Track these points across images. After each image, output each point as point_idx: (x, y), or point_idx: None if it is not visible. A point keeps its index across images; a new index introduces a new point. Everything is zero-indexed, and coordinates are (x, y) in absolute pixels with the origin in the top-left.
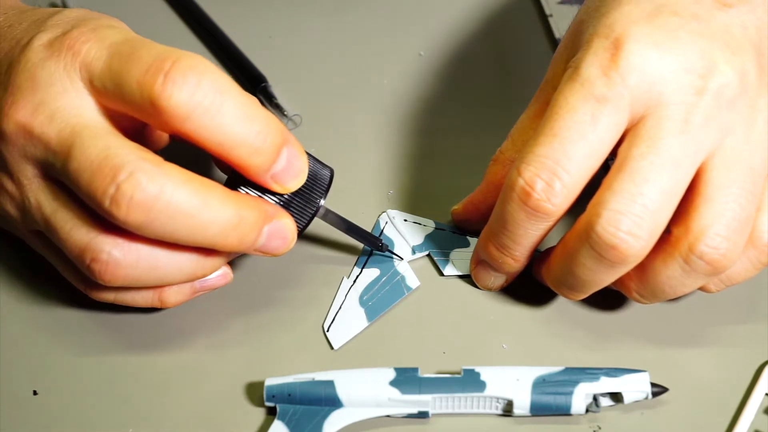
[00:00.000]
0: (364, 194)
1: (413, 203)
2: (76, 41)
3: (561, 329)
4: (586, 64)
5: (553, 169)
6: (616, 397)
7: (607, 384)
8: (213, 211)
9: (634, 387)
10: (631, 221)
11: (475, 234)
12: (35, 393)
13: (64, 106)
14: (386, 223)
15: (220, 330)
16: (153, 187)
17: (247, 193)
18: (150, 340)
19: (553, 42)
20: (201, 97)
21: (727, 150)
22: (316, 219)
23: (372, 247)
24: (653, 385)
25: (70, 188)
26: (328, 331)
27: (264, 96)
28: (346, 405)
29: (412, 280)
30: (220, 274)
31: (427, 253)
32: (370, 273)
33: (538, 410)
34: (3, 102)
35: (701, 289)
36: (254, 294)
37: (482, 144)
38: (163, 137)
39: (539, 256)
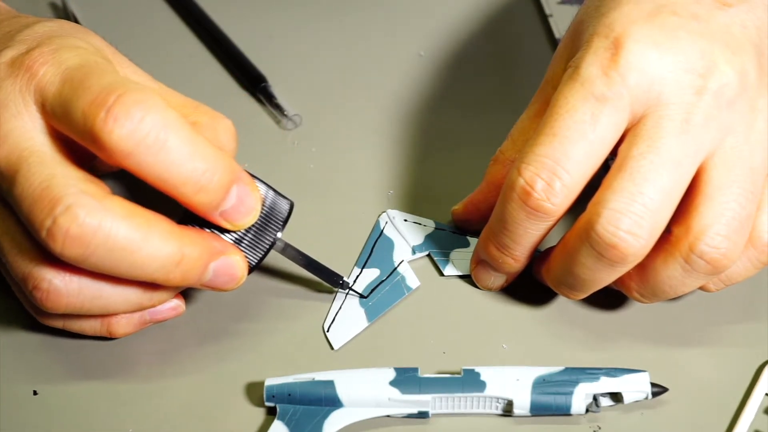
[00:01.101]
0: (364, 194)
1: (413, 203)
2: (35, 62)
3: (561, 329)
4: (586, 63)
5: (553, 169)
6: (616, 397)
7: (607, 384)
8: (154, 247)
9: (634, 387)
10: (631, 220)
11: (476, 234)
12: (35, 393)
13: (16, 128)
14: (386, 223)
15: (220, 330)
16: (91, 221)
17: (198, 228)
18: (150, 341)
19: (553, 42)
20: (143, 133)
21: (728, 150)
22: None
23: (332, 284)
24: (653, 385)
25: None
26: (328, 331)
27: (264, 96)
28: (346, 405)
29: (412, 281)
30: (171, 306)
31: (427, 253)
32: (370, 273)
33: (538, 410)
34: None
35: (701, 288)
36: (254, 294)
37: (482, 144)
38: None
39: (539, 255)
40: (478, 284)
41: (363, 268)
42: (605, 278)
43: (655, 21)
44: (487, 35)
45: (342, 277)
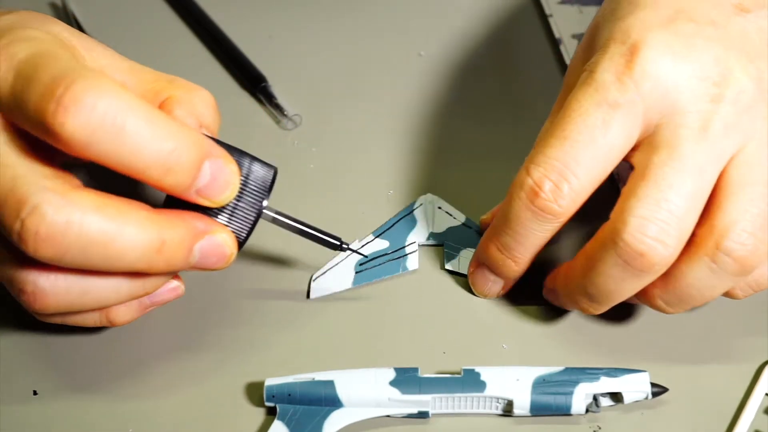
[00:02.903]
0: (364, 194)
1: (413, 203)
2: None
3: (561, 329)
4: (601, 68)
5: (561, 172)
6: (616, 397)
7: (607, 384)
8: (130, 236)
9: (634, 387)
10: (658, 227)
11: None
12: (35, 393)
13: None
14: (420, 205)
15: (220, 330)
16: (59, 218)
17: (179, 210)
18: (150, 340)
19: (553, 42)
20: (98, 120)
21: (748, 153)
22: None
23: (332, 248)
24: (653, 385)
25: None
26: (313, 280)
27: (264, 96)
28: (346, 405)
29: (413, 263)
30: (170, 288)
31: (441, 243)
32: (380, 243)
33: (538, 410)
34: None
35: (728, 295)
36: (254, 294)
37: (482, 144)
38: None
39: (551, 273)
40: (474, 290)
41: (377, 237)
42: (630, 289)
43: (671, 28)
44: (487, 35)
45: (340, 239)
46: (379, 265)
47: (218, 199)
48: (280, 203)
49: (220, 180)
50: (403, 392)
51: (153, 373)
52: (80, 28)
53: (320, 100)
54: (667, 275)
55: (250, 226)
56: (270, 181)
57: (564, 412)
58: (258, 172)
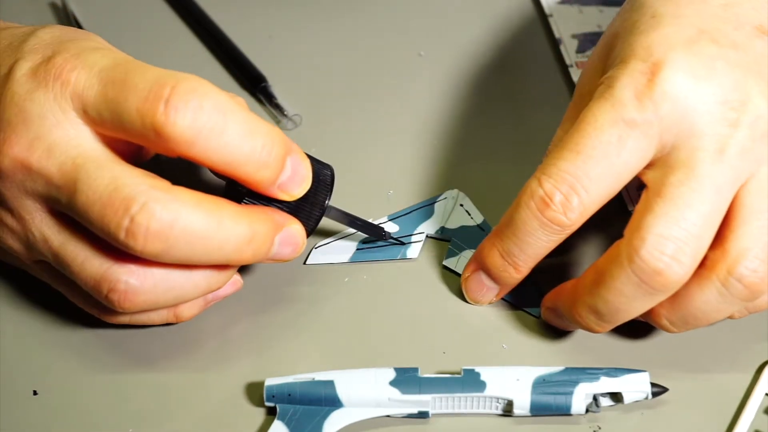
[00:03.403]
0: (364, 194)
1: (413, 203)
2: (63, 69)
3: (561, 329)
4: (620, 84)
5: (572, 185)
6: (616, 397)
7: (607, 384)
8: (227, 230)
9: (634, 387)
10: (675, 246)
11: None
12: (35, 393)
13: (60, 138)
14: (444, 198)
15: (219, 330)
16: (168, 214)
17: (252, 203)
18: (150, 341)
19: (553, 42)
20: (204, 120)
21: (762, 178)
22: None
23: (376, 237)
24: (653, 385)
25: (75, 220)
26: (315, 247)
27: (264, 96)
28: (346, 405)
29: (413, 251)
30: (230, 282)
31: (449, 239)
32: (390, 226)
33: (538, 410)
34: None
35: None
36: (254, 294)
37: (482, 144)
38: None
39: (551, 293)
40: (466, 295)
41: (390, 220)
42: (640, 307)
43: (694, 48)
44: (487, 35)
45: (383, 228)
46: (380, 247)
47: (295, 193)
48: None
49: (300, 174)
50: (403, 392)
51: (153, 372)
52: (80, 28)
53: (320, 100)
54: (676, 296)
55: (315, 220)
56: (330, 178)
57: (564, 412)
58: (320, 171)
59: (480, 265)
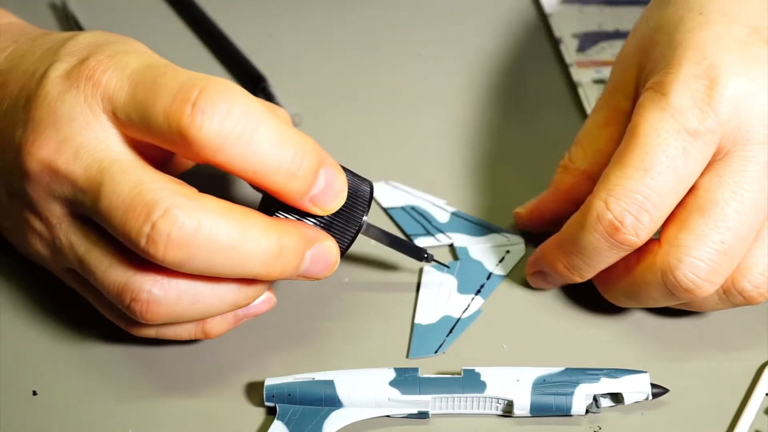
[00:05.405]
0: None
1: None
2: (95, 71)
3: (561, 329)
4: (677, 92)
5: (643, 204)
6: (617, 397)
7: (607, 385)
8: (253, 243)
9: (635, 388)
10: (710, 269)
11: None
12: (35, 393)
13: (88, 141)
14: (510, 246)
15: None
16: (190, 222)
17: (285, 217)
18: (149, 341)
19: (553, 42)
20: (232, 125)
21: None
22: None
23: (416, 258)
24: (653, 385)
25: (101, 226)
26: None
27: (264, 96)
28: (346, 405)
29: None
30: (263, 299)
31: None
32: (441, 237)
33: (538, 411)
34: (24, 139)
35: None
36: None
37: (482, 144)
38: (188, 161)
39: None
40: (531, 284)
41: (453, 214)
42: (667, 305)
43: (748, 50)
44: (487, 35)
45: (425, 251)
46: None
47: (329, 207)
48: None
49: (334, 188)
50: (403, 392)
51: (153, 373)
52: (80, 29)
53: (320, 100)
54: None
55: (350, 238)
56: (368, 195)
57: (564, 412)
58: (358, 185)
59: (541, 269)
